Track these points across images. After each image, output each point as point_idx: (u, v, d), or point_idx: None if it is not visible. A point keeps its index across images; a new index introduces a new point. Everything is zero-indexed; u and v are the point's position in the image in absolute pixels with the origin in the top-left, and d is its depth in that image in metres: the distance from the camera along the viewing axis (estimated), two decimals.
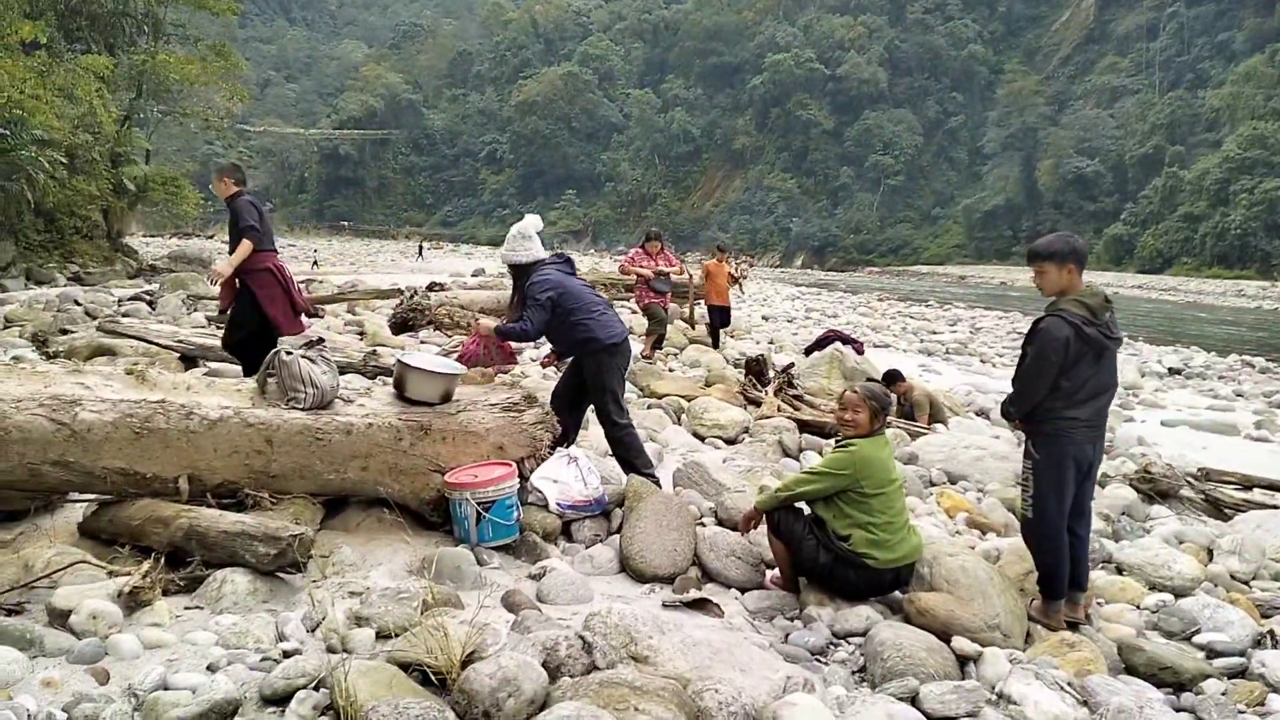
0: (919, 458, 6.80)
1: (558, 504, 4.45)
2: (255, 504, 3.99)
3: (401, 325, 11.09)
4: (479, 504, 4.07)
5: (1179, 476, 6.95)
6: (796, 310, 26.15)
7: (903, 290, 44.34)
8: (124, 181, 29.44)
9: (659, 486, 4.99)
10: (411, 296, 11.40)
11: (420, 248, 65.33)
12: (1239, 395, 13.32)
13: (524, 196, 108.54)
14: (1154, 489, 6.77)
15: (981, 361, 16.39)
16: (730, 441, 7.09)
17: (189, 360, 7.38)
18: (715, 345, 11.56)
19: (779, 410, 7.77)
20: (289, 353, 4.17)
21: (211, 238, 60.41)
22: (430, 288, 12.69)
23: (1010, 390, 3.94)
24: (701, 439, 7.07)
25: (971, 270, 72.90)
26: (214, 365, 7.41)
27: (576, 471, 4.52)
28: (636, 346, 10.38)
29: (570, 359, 5.31)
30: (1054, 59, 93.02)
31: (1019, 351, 3.92)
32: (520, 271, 5.05)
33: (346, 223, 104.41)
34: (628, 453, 5.08)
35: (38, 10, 27.65)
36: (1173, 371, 16.22)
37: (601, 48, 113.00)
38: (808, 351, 10.36)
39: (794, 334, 17.75)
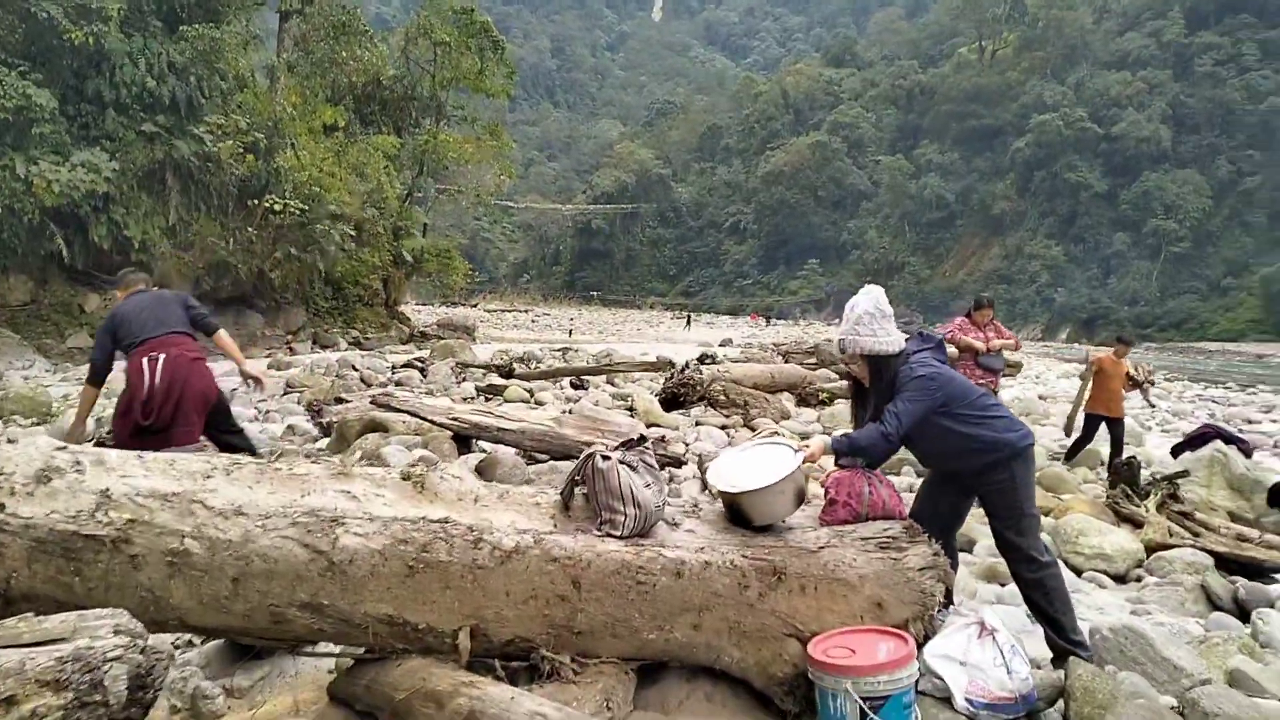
0: None
1: (967, 700, 3.02)
2: (553, 671, 2.88)
3: (672, 401, 10.09)
4: (865, 699, 2.74)
5: None
6: (1075, 389, 23.12)
7: (1190, 369, 39.02)
8: (403, 253, 31.21)
9: (1092, 660, 3.47)
10: (683, 370, 10.38)
11: (689, 318, 65.92)
12: None
13: (765, 266, 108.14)
14: None
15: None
16: (1120, 579, 5.36)
17: (462, 440, 6.65)
18: (1068, 460, 9.14)
19: (1170, 534, 5.94)
20: (606, 458, 3.08)
21: (475, 306, 64.01)
22: (702, 360, 11.69)
23: None
24: (1078, 573, 5.39)
25: (1272, 349, 64.01)
26: (487, 446, 6.62)
27: (994, 650, 3.09)
28: None
29: (934, 476, 3.94)
30: None
31: None
32: (879, 365, 3.69)
33: (595, 293, 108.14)
34: (1051, 605, 3.59)
35: (337, 96, 30.16)
36: None
37: (852, 115, 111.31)
38: (1175, 451, 8.30)
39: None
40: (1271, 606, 4.61)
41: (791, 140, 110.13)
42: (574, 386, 12.05)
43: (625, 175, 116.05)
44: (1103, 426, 8.82)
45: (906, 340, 3.75)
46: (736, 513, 3.30)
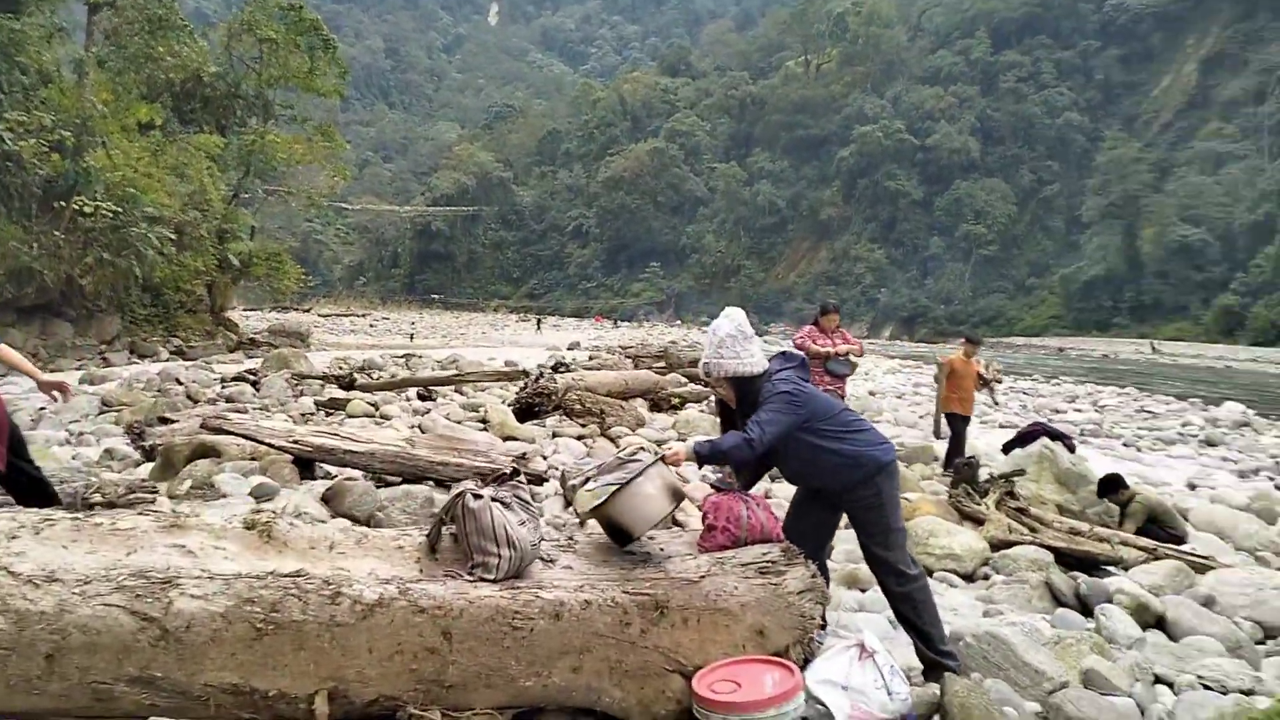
0: (1217, 601, 5.14)
1: None
2: None
3: (527, 411, 9.83)
4: None
5: None
6: (904, 385, 24.34)
7: (1001, 363, 41.85)
8: (229, 257, 29.47)
9: (959, 671, 3.50)
10: (537, 379, 10.15)
11: (538, 321, 65.12)
12: None
13: (608, 268, 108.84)
14: None
15: (1124, 445, 14.39)
16: (968, 578, 5.52)
17: (305, 464, 6.18)
18: (946, 465, 8.98)
19: (1010, 530, 6.19)
20: (478, 495, 2.85)
21: (308, 311, 61.34)
22: (555, 368, 11.47)
23: None
24: (930, 573, 5.52)
25: (1071, 342, 69.57)
26: (335, 470, 6.20)
27: (875, 672, 3.05)
28: None
29: (802, 493, 3.87)
30: (1155, 125, 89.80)
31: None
32: (744, 387, 3.64)
33: (437, 296, 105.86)
34: (920, 618, 3.60)
35: (154, 93, 28.16)
36: None
37: (688, 124, 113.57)
38: (1006, 448, 8.72)
39: (919, 417, 15.96)
40: (1110, 601, 4.84)
41: (630, 146, 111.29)
42: (421, 398, 11.58)
43: (465, 177, 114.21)
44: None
45: (769, 360, 3.71)
46: (616, 530, 3.15)
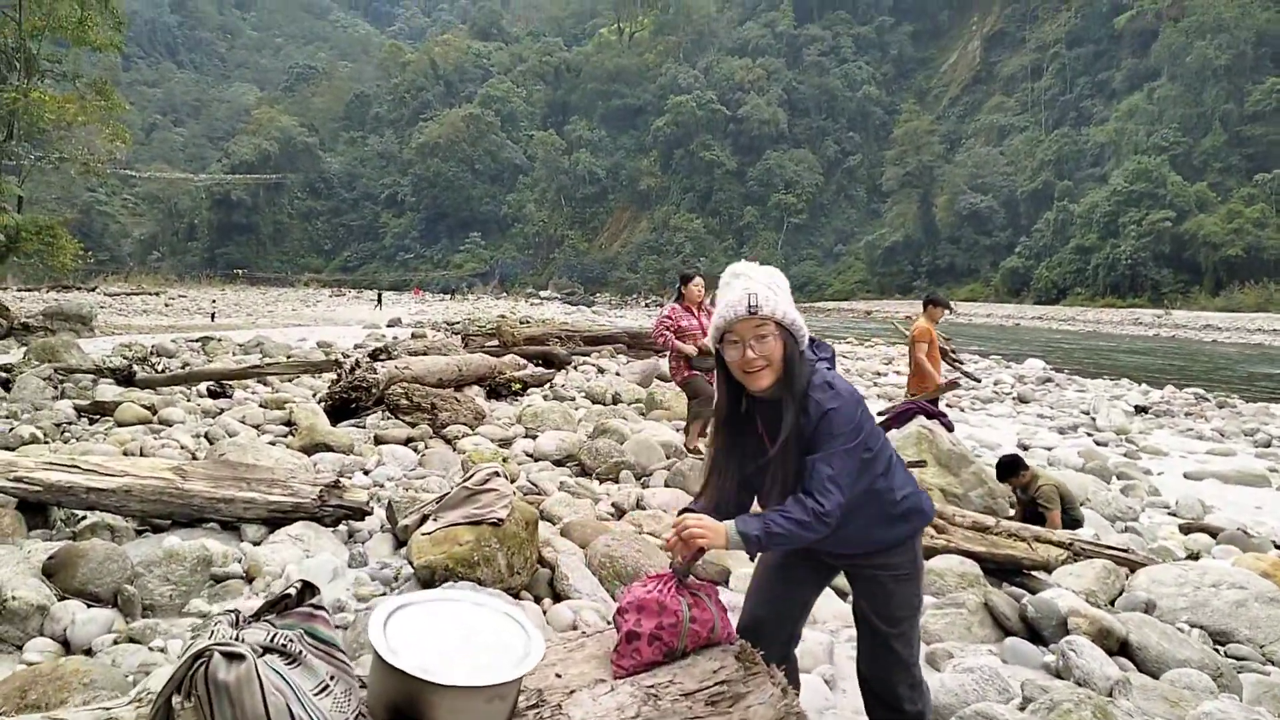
0: (1158, 605, 4.49)
1: None
2: None
3: (342, 408, 8.29)
4: None
5: None
6: None
7: (815, 327, 42.73)
8: None
9: None
10: (353, 370, 8.58)
11: (379, 295, 61.01)
12: (1222, 435, 12.15)
13: (427, 239, 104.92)
14: None
15: (947, 406, 14.36)
16: None
17: (37, 507, 4.52)
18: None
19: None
20: (236, 656, 1.54)
21: (94, 290, 55.36)
22: (375, 356, 9.89)
23: None
24: (844, 597, 4.59)
25: (876, 305, 72.85)
26: (82, 513, 4.58)
27: None
28: (676, 436, 7.84)
29: (776, 560, 2.59)
30: (944, 99, 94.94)
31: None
32: (793, 361, 2.25)
33: (241, 270, 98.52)
34: None
35: None
36: (1139, 410, 14.69)
37: (503, 90, 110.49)
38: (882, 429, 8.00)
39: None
40: (1066, 625, 4.04)
41: (444, 112, 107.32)
42: (213, 395, 9.74)
43: (267, 143, 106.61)
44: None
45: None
46: (408, 704, 1.81)
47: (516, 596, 3.87)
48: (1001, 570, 4.96)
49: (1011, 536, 5.43)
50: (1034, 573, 4.90)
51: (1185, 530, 6.90)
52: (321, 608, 1.75)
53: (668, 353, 7.22)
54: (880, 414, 8.14)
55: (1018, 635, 4.11)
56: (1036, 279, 69.79)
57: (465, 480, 3.88)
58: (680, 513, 2.30)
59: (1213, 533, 6.74)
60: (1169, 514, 7.66)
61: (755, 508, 2.43)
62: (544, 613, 3.78)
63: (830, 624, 4.26)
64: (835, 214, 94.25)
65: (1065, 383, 18.91)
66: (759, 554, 2.58)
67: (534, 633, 1.95)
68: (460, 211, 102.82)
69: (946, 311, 8.61)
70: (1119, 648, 3.89)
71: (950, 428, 7.61)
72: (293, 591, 1.74)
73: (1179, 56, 67.67)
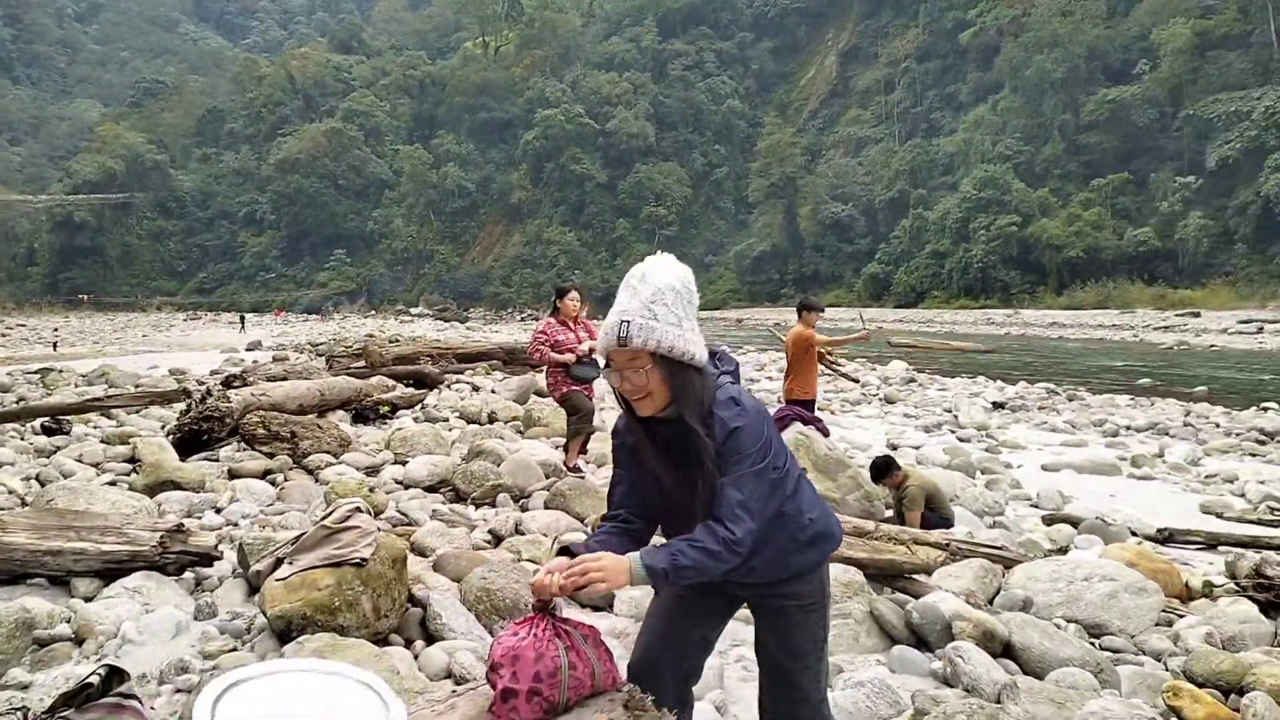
0: (1034, 602, 4.56)
1: None
2: None
3: (193, 440, 7.70)
4: None
5: None
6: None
7: None
8: None
9: None
10: (203, 400, 7.99)
11: (242, 319, 57.89)
12: (1074, 427, 12.93)
13: (289, 258, 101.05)
14: (1275, 596, 4.83)
15: (818, 410, 14.69)
16: None
17: None
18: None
19: None
20: None
21: None
22: (229, 383, 9.26)
23: None
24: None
25: (747, 313, 74.38)
26: None
27: None
28: (555, 454, 7.58)
29: (673, 595, 2.34)
30: (804, 112, 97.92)
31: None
32: (683, 382, 2.06)
33: (86, 295, 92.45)
34: None
35: None
36: (997, 406, 15.48)
37: (366, 103, 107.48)
38: None
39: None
40: (951, 631, 4.01)
41: (304, 127, 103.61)
42: (48, 432, 8.93)
43: (112, 161, 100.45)
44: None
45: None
46: None
47: (385, 642, 3.57)
48: (883, 575, 4.95)
49: (891, 540, 5.45)
50: (915, 576, 4.91)
51: (1048, 521, 7.14)
52: (132, 696, 1.46)
53: (545, 368, 7.00)
54: None
55: (904, 643, 4.08)
56: (896, 283, 72.64)
57: (323, 519, 3.56)
58: (560, 550, 2.09)
59: (1074, 522, 7.00)
60: (1031, 506, 7.94)
61: (658, 538, 2.23)
62: (415, 657, 3.49)
63: (720, 644, 4.12)
64: (705, 225, 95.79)
65: (928, 382, 19.66)
66: None
67: (394, 702, 1.71)
68: (324, 228, 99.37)
69: (820, 315, 8.71)
70: (1003, 649, 3.90)
71: (826, 433, 7.66)
72: (96, 679, 1.45)
73: (1019, 70, 71.81)
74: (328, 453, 7.20)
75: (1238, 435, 12.32)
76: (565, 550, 2.08)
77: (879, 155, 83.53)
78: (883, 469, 6.50)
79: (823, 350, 8.92)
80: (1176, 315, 46.73)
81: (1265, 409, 14.52)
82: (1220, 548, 6.46)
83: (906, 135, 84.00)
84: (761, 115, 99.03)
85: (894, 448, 10.73)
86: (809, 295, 9.79)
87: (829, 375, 8.72)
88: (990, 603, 4.62)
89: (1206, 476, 9.47)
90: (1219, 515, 7.69)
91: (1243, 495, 8.49)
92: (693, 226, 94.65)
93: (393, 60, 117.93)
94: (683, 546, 1.97)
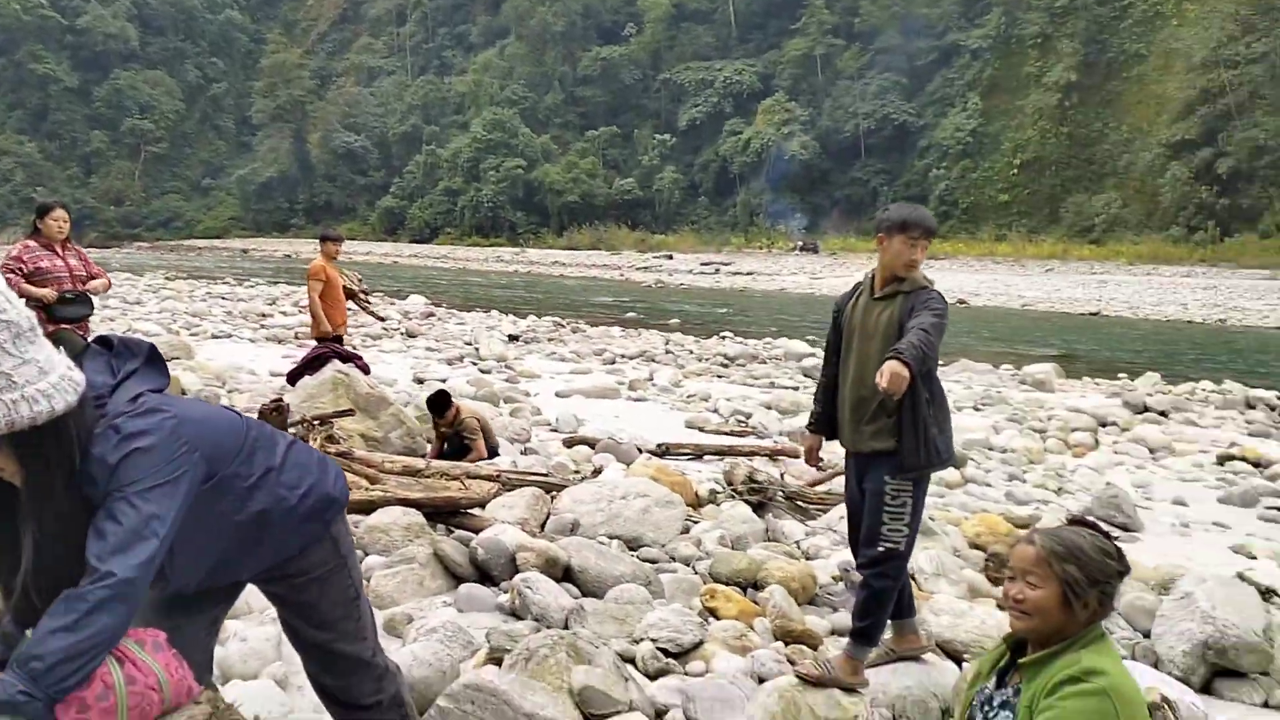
0: (581, 524, 4.80)
1: None
2: None
3: None
4: None
5: (774, 479, 6.12)
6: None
7: (187, 267, 38.99)
8: None
9: None
10: None
11: None
12: (579, 356, 14.16)
13: None
14: (764, 498, 5.77)
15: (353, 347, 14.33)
16: None
17: None
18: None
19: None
20: None
21: None
22: None
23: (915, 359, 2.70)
24: None
25: (253, 243, 68.78)
26: None
27: None
28: None
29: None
30: (313, 34, 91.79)
31: None
32: (35, 450, 1.50)
33: None
34: None
35: None
36: (512, 338, 16.46)
37: None
38: (293, 377, 7.24)
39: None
40: (514, 562, 4.00)
41: None
42: None
43: None
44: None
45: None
46: None
47: None
48: (440, 514, 4.82)
49: (444, 477, 5.34)
50: (472, 511, 4.86)
51: (569, 444, 7.56)
52: None
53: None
54: (293, 370, 7.46)
55: (470, 580, 4.00)
56: (411, 219, 72.30)
57: None
58: None
59: (590, 444, 7.51)
60: (552, 430, 8.38)
61: None
62: None
63: (269, 611, 3.67)
64: (202, 145, 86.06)
65: (446, 316, 19.92)
66: None
67: None
68: None
69: (339, 246, 8.18)
70: (563, 574, 4.01)
71: (366, 370, 7.26)
72: None
73: (525, 19, 74.51)
74: None
75: (707, 360, 14.30)
76: None
77: (392, 88, 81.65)
78: (443, 403, 6.37)
79: (351, 285, 8.41)
80: (655, 257, 52.89)
81: (724, 338, 17.07)
82: (705, 457, 7.41)
83: (419, 70, 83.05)
84: (265, 31, 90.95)
85: (420, 381, 10.65)
86: (329, 227, 9.22)
87: (353, 310, 8.33)
88: (542, 529, 4.74)
89: (688, 396, 10.81)
90: (700, 429, 8.84)
91: (716, 411, 9.84)
92: (187, 145, 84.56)
93: None
94: (40, 645, 1.44)
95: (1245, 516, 6.44)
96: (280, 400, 6.23)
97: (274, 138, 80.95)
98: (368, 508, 4.58)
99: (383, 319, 12.45)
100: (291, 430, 5.60)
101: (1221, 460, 8.07)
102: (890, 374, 2.61)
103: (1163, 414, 10.39)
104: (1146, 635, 3.69)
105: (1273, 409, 11.10)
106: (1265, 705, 3.30)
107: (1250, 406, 11.22)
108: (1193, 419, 10.26)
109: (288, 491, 1.88)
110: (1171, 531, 5.97)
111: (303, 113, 79.28)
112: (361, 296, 8.43)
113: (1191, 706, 2.96)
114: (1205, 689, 3.38)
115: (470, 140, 68.89)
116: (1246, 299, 30.51)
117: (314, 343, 8.01)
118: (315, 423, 5.67)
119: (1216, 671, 3.41)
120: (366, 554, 4.21)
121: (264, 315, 17.97)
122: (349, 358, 7.28)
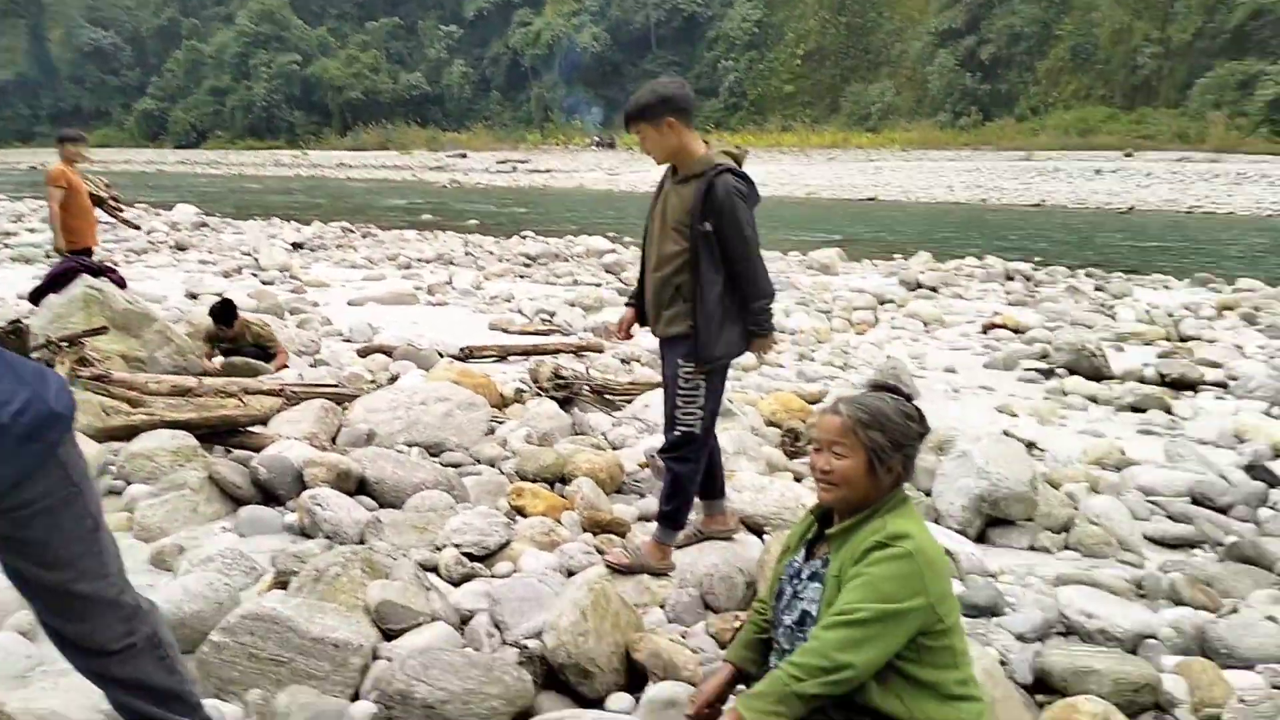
0: (377, 434, 4.50)
1: None
2: None
3: None
4: None
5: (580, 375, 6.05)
6: None
7: None
8: None
9: None
10: None
11: None
12: (372, 262, 13.57)
13: None
14: (570, 393, 5.72)
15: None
16: None
17: None
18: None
19: (108, 414, 4.40)
20: None
21: None
22: None
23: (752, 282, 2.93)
24: None
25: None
26: None
27: None
28: None
29: None
30: None
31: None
32: None
33: None
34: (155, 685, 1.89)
35: None
36: (297, 246, 15.50)
37: None
38: (35, 296, 6.28)
39: None
40: (301, 479, 3.67)
41: None
42: None
43: None
44: None
45: None
46: None
47: None
48: (217, 434, 4.37)
49: (220, 394, 4.85)
50: (253, 429, 4.44)
51: (363, 354, 7.14)
52: None
53: None
54: (36, 289, 6.50)
55: (252, 502, 3.64)
56: (174, 122, 65.76)
57: None
58: None
59: (387, 352, 7.12)
60: (344, 341, 7.91)
61: None
62: None
63: None
64: None
65: (221, 226, 18.42)
66: None
67: None
68: None
69: (82, 147, 7.10)
70: (358, 487, 3.73)
71: (122, 284, 6.45)
72: None
73: None
74: None
75: (508, 261, 13.93)
76: None
77: None
78: (229, 314, 5.81)
79: (98, 191, 7.35)
80: (448, 156, 50.83)
81: (524, 237, 16.68)
82: (510, 358, 7.21)
83: None
84: None
85: (194, 296, 9.81)
86: (68, 127, 8.02)
87: (110, 223, 7.35)
88: (333, 441, 4.41)
89: (490, 299, 10.50)
90: (505, 330, 8.59)
91: (520, 312, 9.61)
92: None
93: None
94: None
95: (1007, 379, 6.99)
96: (19, 322, 5.46)
97: (7, 35, 70.55)
98: (130, 433, 4.09)
99: (139, 228, 11.20)
100: (35, 355, 4.92)
101: (986, 329, 8.74)
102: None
103: (934, 289, 11.14)
104: (928, 494, 3.89)
105: (1029, 279, 12.17)
106: (1030, 549, 3.58)
107: (1009, 278, 12.25)
108: (960, 293, 11.08)
109: None
110: (944, 396, 6.38)
111: (39, 6, 69.31)
112: (111, 203, 7.40)
113: (970, 556, 3.16)
114: (980, 539, 3.62)
115: (236, 34, 62.83)
116: (1004, 179, 33.30)
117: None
118: (62, 344, 4.98)
119: (989, 521, 3.66)
120: (129, 484, 3.75)
121: (7, 234, 15.88)
122: (101, 271, 6.44)
